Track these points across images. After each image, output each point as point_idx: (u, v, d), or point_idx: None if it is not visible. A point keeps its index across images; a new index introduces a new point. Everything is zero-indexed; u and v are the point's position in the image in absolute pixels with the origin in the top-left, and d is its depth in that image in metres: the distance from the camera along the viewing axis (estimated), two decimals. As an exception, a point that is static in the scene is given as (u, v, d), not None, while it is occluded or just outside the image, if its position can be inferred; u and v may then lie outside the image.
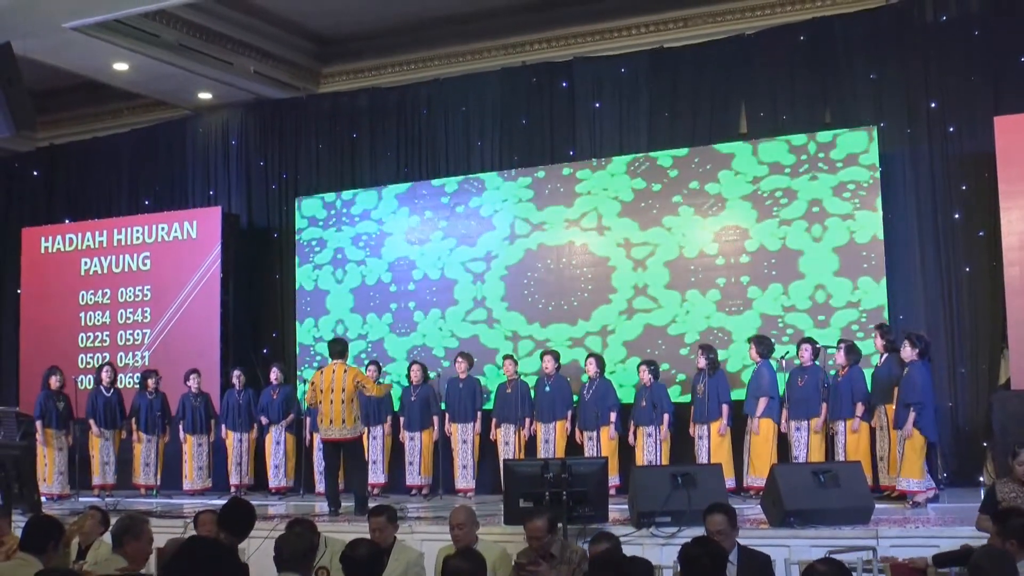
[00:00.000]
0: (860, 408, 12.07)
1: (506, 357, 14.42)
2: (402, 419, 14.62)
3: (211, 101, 17.66)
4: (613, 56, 15.44)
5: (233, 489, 15.05)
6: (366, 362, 15.07)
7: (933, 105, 13.67)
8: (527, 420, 13.95)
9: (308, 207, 16.66)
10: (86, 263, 17.76)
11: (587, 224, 14.91)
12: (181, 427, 15.36)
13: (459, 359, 14.46)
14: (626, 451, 13.55)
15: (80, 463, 15.24)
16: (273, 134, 17.65)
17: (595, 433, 13.55)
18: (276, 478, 15.11)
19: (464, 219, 15.62)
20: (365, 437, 13.90)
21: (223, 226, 16.94)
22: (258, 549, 9.09)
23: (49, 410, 15.02)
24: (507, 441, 14.02)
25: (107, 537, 8.01)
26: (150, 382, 15.36)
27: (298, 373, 16.14)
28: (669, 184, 14.49)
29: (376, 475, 14.41)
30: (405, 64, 17.10)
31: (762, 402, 12.63)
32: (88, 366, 16.91)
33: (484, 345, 15.19)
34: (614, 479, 12.60)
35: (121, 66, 15.96)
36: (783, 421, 12.60)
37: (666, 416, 13.28)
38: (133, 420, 15.30)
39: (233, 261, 17.11)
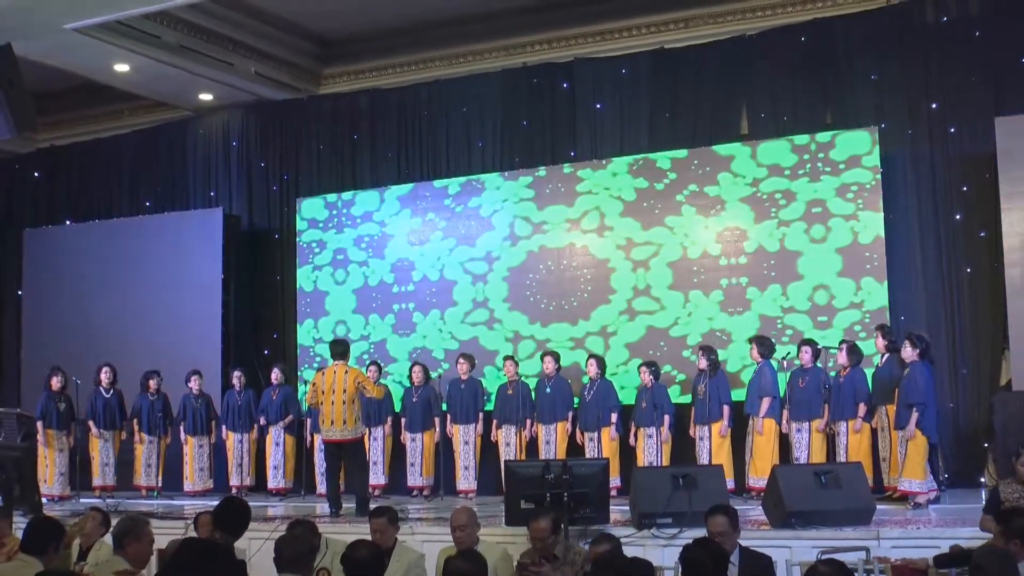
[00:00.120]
0: (863, 409, 12.07)
1: (507, 358, 14.42)
2: (403, 420, 14.62)
3: (212, 102, 17.66)
4: (614, 57, 15.44)
5: (234, 490, 15.06)
6: (367, 363, 15.06)
7: (934, 106, 13.67)
8: (528, 421, 13.94)
9: (309, 208, 16.66)
10: (87, 264, 17.75)
11: (589, 224, 14.89)
12: (182, 428, 15.35)
13: (461, 360, 14.46)
14: (627, 452, 13.55)
15: (81, 464, 15.23)
16: (274, 135, 17.65)
17: (596, 434, 13.54)
18: (275, 479, 15.11)
19: (464, 219, 15.61)
20: (366, 438, 13.89)
21: (224, 227, 16.93)
22: (259, 550, 9.09)
23: (50, 411, 15.02)
24: (508, 442, 14.01)
25: (108, 538, 8.01)
26: (151, 383, 15.35)
27: (299, 374, 16.15)
28: (671, 184, 14.48)
29: (376, 476, 14.40)
30: (406, 65, 17.10)
31: (765, 402, 12.63)
32: (89, 367, 16.89)
33: (484, 347, 15.18)
34: (615, 480, 12.59)
35: (122, 67, 15.96)
36: (784, 422, 12.60)
37: (667, 417, 13.28)
38: (135, 421, 15.30)
39: (234, 262, 17.10)
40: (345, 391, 12.05)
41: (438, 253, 15.71)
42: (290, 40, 16.91)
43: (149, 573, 6.91)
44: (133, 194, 18.71)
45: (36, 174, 19.58)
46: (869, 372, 12.28)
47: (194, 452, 15.32)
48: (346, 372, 12.20)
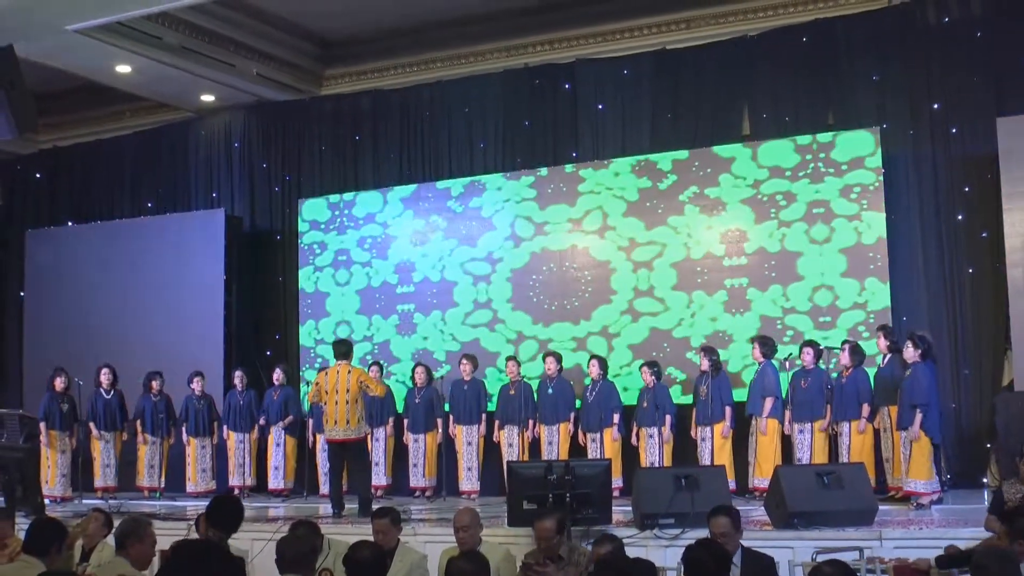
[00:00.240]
0: (866, 409, 12.07)
1: (509, 359, 14.42)
2: (406, 421, 14.62)
3: (214, 103, 17.67)
4: (616, 58, 15.44)
5: (237, 491, 15.06)
6: (370, 363, 15.06)
7: (936, 106, 13.67)
8: (530, 422, 13.95)
9: (311, 209, 16.66)
10: (89, 265, 17.75)
11: (592, 223, 14.89)
12: (184, 429, 15.35)
13: (463, 361, 14.46)
14: (629, 453, 13.55)
15: (83, 465, 15.24)
16: (276, 136, 17.66)
17: (598, 435, 13.55)
18: (276, 480, 15.11)
19: (466, 220, 15.62)
20: (368, 438, 13.88)
21: (226, 228, 16.94)
22: (261, 551, 9.09)
23: (53, 412, 15.03)
24: (511, 443, 14.01)
25: (111, 539, 8.00)
26: (154, 384, 15.35)
27: (300, 375, 16.15)
28: (673, 184, 14.48)
29: (378, 477, 14.40)
30: (407, 66, 17.10)
31: (768, 402, 12.62)
32: (91, 368, 16.88)
33: (485, 348, 15.18)
34: (617, 481, 12.61)
35: (124, 68, 15.97)
36: (786, 423, 12.59)
37: (668, 418, 13.29)
38: (138, 422, 15.30)
39: (236, 263, 17.10)
40: (348, 391, 12.05)
41: (440, 254, 15.72)
42: (292, 41, 16.91)
43: (151, 574, 6.90)
44: (135, 195, 18.71)
45: (38, 175, 19.59)
46: (871, 372, 12.28)
47: (196, 453, 15.32)
48: (349, 372, 12.20)
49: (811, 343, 12.73)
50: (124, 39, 14.91)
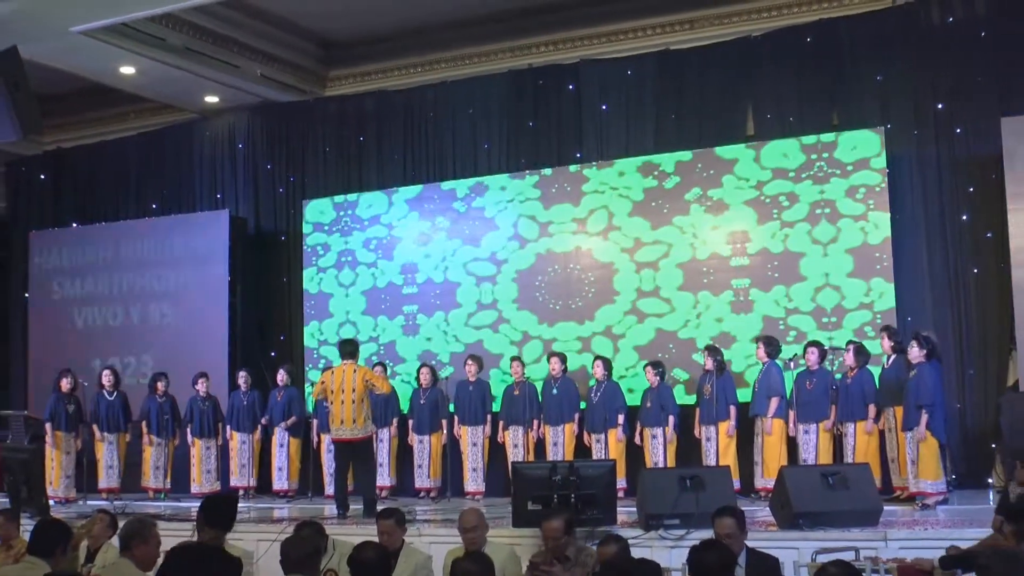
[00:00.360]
0: (872, 410, 12.06)
1: (513, 359, 14.43)
2: (411, 422, 14.61)
3: (218, 104, 17.67)
4: (620, 58, 15.43)
5: (241, 492, 15.08)
6: (375, 363, 15.05)
7: (940, 107, 13.66)
8: (535, 422, 13.95)
9: (315, 210, 16.67)
10: (93, 267, 17.78)
11: (597, 223, 14.87)
12: (189, 431, 15.35)
13: (469, 362, 14.47)
14: (634, 454, 13.55)
15: (88, 466, 15.25)
16: (280, 137, 17.67)
17: (603, 436, 13.56)
18: (280, 481, 15.11)
19: (470, 220, 15.62)
20: (373, 439, 13.90)
21: (230, 229, 16.94)
22: (266, 552, 9.10)
23: (59, 413, 15.05)
24: (516, 444, 14.02)
25: (116, 540, 8.00)
26: (159, 385, 15.35)
27: (305, 375, 16.15)
28: (678, 185, 14.48)
29: (383, 478, 14.39)
30: (411, 67, 17.10)
31: (774, 402, 12.62)
32: (95, 370, 16.91)
33: (488, 350, 15.17)
34: (621, 482, 12.60)
35: (128, 70, 15.98)
36: (791, 424, 12.58)
37: (671, 418, 13.29)
38: (143, 423, 15.31)
39: (240, 264, 17.11)
40: (355, 390, 12.05)
41: (444, 254, 15.72)
42: (296, 42, 16.92)
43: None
44: (139, 196, 18.72)
45: (42, 176, 19.60)
46: (875, 373, 12.27)
47: (201, 454, 15.31)
48: (355, 371, 12.20)
49: (816, 343, 12.73)
50: (128, 40, 14.92)
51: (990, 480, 12.65)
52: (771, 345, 12.91)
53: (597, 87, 15.45)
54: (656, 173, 14.59)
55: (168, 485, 15.37)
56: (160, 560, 6.84)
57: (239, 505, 8.51)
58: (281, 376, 15.22)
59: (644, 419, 13.46)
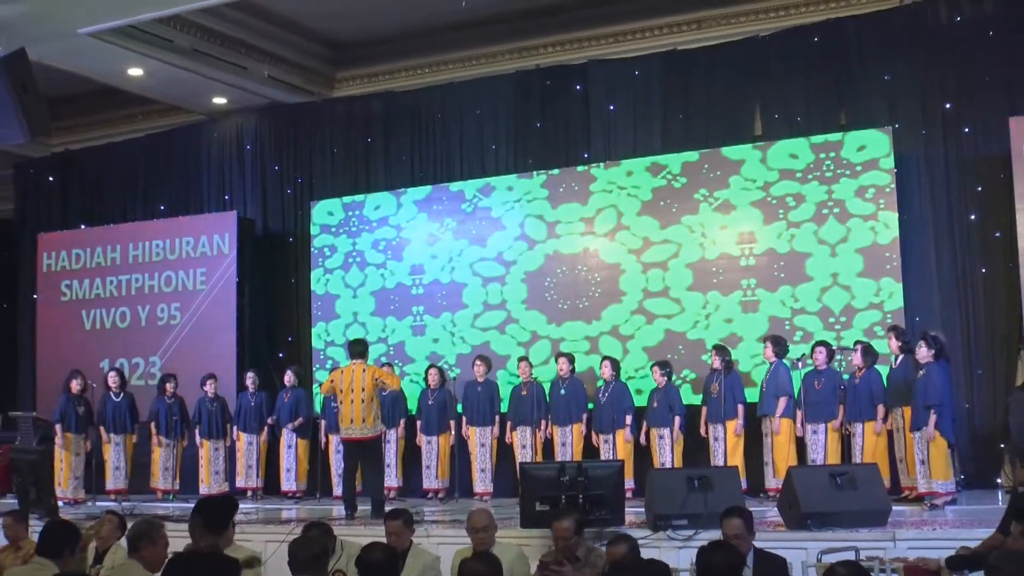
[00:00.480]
0: (881, 410, 12.04)
1: (521, 359, 14.41)
2: (419, 422, 14.62)
3: (226, 106, 17.68)
4: (627, 59, 15.42)
5: (249, 493, 15.09)
6: (383, 364, 15.06)
7: (948, 106, 13.64)
8: (543, 423, 13.94)
9: (323, 211, 16.67)
10: (101, 268, 17.81)
11: (606, 223, 14.85)
12: (197, 432, 15.37)
13: (477, 362, 14.46)
14: (641, 454, 13.54)
15: (96, 468, 15.27)
16: (288, 139, 17.68)
17: (611, 436, 13.55)
18: (288, 482, 15.12)
19: (478, 221, 15.61)
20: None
21: (238, 231, 16.97)
22: (274, 553, 9.10)
23: (69, 414, 15.08)
24: (524, 444, 14.01)
25: (124, 542, 8.01)
26: (168, 387, 15.38)
27: (313, 376, 16.15)
28: (685, 186, 14.47)
29: (390, 479, 14.38)
30: (419, 68, 17.10)
31: (782, 401, 12.60)
32: (104, 371, 16.93)
33: (495, 351, 15.16)
34: (629, 482, 12.60)
35: (136, 71, 16.00)
36: (798, 424, 12.57)
37: (677, 418, 13.28)
38: (152, 424, 15.33)
39: (248, 265, 17.14)
40: (364, 389, 12.06)
41: (451, 255, 15.72)
42: (303, 43, 16.93)
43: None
44: (147, 198, 18.74)
45: (50, 178, 19.63)
46: (883, 374, 12.25)
47: (210, 455, 15.34)
48: (364, 371, 12.20)
49: (824, 343, 12.71)
50: (136, 42, 14.94)
51: (999, 480, 12.62)
52: (779, 345, 12.90)
53: (604, 87, 15.43)
54: (663, 173, 14.57)
55: (177, 486, 15.40)
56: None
57: (248, 506, 8.55)
58: (288, 377, 15.22)
59: (651, 419, 13.45)
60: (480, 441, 14.29)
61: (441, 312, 15.69)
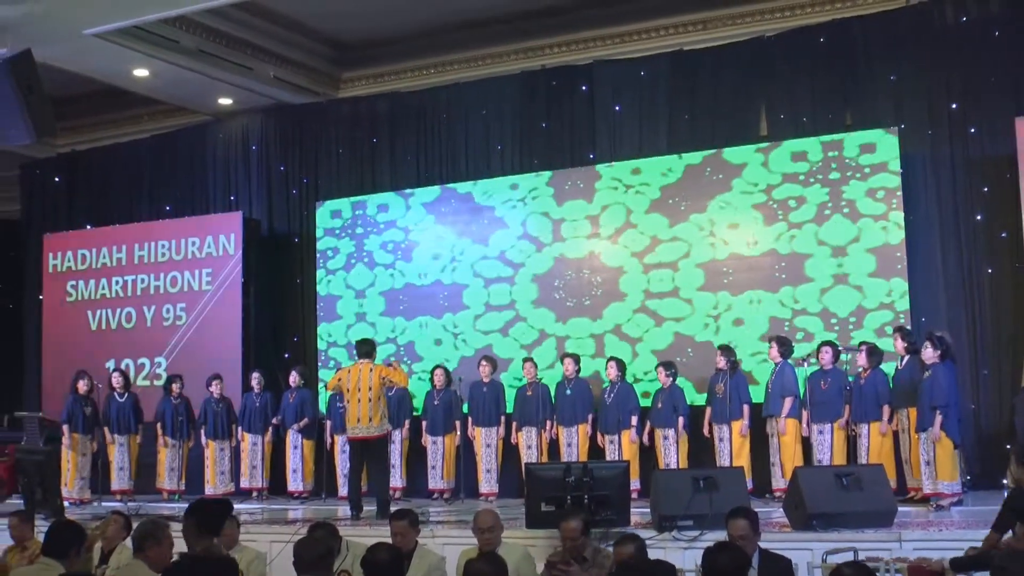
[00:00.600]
0: (887, 411, 12.02)
1: (526, 360, 14.41)
2: (424, 423, 14.61)
3: (231, 106, 17.69)
4: (633, 59, 15.41)
5: (255, 493, 15.10)
6: (390, 361, 15.03)
7: (954, 106, 13.62)
8: (548, 423, 13.94)
9: (329, 212, 16.68)
10: (107, 269, 17.82)
11: (613, 220, 14.81)
12: (203, 432, 15.38)
13: (483, 363, 14.46)
14: (647, 455, 13.54)
15: (102, 468, 15.29)
16: (293, 139, 17.69)
17: (616, 437, 13.54)
18: (294, 482, 15.13)
19: (484, 221, 15.59)
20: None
21: (244, 231, 16.96)
22: (280, 553, 9.11)
23: (76, 414, 15.10)
24: (529, 445, 14.01)
25: (129, 542, 8.02)
26: (174, 387, 15.40)
27: (319, 376, 16.15)
28: (691, 186, 14.46)
29: (394, 479, 14.36)
30: (424, 68, 17.11)
31: (787, 401, 12.59)
32: (110, 371, 16.95)
33: (498, 354, 15.14)
34: (635, 483, 12.60)
35: (141, 72, 16.01)
36: (804, 424, 12.56)
37: (680, 419, 13.28)
38: (158, 425, 15.34)
39: (254, 266, 17.14)
40: (371, 388, 12.07)
41: (455, 255, 15.72)
42: (309, 44, 16.95)
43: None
44: (153, 198, 18.76)
45: (56, 179, 19.65)
46: (889, 374, 12.23)
47: (215, 456, 15.34)
48: (371, 370, 12.21)
49: (829, 343, 12.70)
50: (141, 43, 14.96)
51: (1004, 481, 12.58)
52: (784, 345, 12.89)
53: (610, 88, 15.43)
54: (667, 172, 14.56)
55: (183, 487, 15.41)
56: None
57: (254, 507, 8.56)
58: (294, 377, 15.23)
59: (655, 420, 13.45)
60: (486, 441, 14.29)
61: (444, 313, 15.68)
